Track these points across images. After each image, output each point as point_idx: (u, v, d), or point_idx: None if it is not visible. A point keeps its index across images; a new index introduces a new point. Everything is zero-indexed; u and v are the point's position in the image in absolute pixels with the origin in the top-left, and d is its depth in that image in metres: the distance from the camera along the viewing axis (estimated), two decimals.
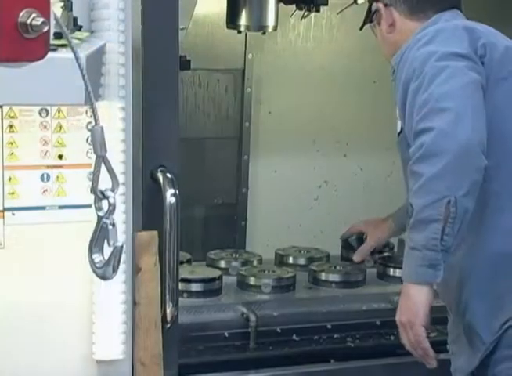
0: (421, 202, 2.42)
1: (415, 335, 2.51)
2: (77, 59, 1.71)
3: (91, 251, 1.81)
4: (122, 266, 2.47)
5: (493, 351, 2.58)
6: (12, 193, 2.46)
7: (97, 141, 1.72)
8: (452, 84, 2.47)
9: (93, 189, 1.76)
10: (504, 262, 2.59)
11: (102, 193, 1.75)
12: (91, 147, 2.47)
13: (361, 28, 3.00)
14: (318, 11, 3.39)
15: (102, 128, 1.72)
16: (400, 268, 3.31)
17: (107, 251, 1.82)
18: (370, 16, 2.89)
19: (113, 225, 1.77)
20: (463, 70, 2.51)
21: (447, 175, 2.40)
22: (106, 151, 1.72)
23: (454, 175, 2.40)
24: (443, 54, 2.54)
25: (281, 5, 3.37)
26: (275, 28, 3.40)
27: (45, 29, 1.55)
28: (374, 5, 2.88)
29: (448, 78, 2.48)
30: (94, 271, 1.83)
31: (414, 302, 2.49)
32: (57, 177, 2.50)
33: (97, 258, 1.81)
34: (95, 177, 1.75)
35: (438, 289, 2.63)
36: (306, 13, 3.46)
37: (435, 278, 2.47)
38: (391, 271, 3.40)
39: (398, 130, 2.69)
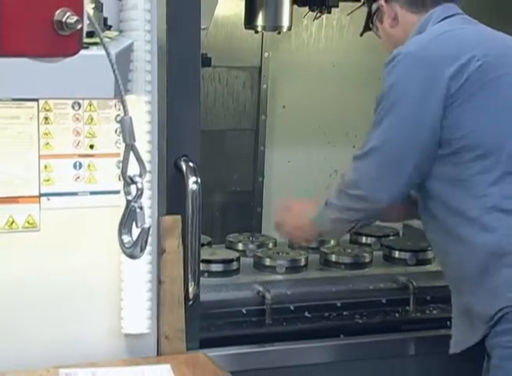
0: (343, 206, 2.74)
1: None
2: (108, 55, 1.71)
3: (120, 233, 1.81)
4: (148, 248, 2.48)
5: (492, 327, 2.57)
6: (48, 180, 2.47)
7: (126, 130, 1.72)
8: (389, 136, 2.61)
9: (122, 175, 1.76)
10: (497, 257, 2.57)
11: (130, 178, 1.76)
12: (120, 138, 2.51)
13: (362, 33, 2.96)
14: (329, 12, 3.39)
15: (130, 118, 1.72)
16: (404, 250, 3.37)
17: (135, 232, 1.82)
18: (372, 16, 2.85)
19: (141, 208, 1.77)
20: (407, 120, 2.58)
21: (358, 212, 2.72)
22: (134, 140, 1.72)
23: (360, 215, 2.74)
24: (400, 90, 2.59)
25: (295, 6, 3.37)
26: (289, 28, 3.39)
27: (79, 27, 1.55)
28: (375, 5, 2.83)
29: (390, 127, 2.60)
30: (123, 251, 1.84)
31: (304, 231, 2.94)
32: (88, 165, 2.51)
33: (126, 238, 1.81)
34: (124, 164, 1.75)
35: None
36: (318, 15, 3.45)
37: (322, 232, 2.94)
38: (397, 253, 3.39)
39: None
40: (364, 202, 2.66)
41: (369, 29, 2.92)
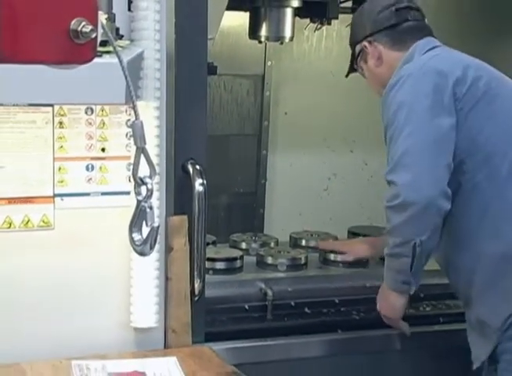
0: (394, 241, 2.58)
1: (393, 324, 2.83)
2: (120, 63, 1.71)
3: (131, 231, 1.82)
4: (156, 246, 2.49)
5: (504, 332, 2.57)
6: (61, 181, 2.48)
7: (137, 134, 1.72)
8: (415, 138, 2.51)
9: (133, 177, 1.76)
10: (506, 263, 2.57)
11: (141, 179, 1.76)
12: (130, 141, 2.52)
13: (347, 75, 2.93)
14: (329, 24, 3.39)
15: (141, 122, 1.72)
16: None
17: (145, 231, 1.82)
18: (356, 58, 2.82)
19: (151, 208, 1.77)
20: (425, 121, 2.52)
21: (413, 223, 2.50)
22: (145, 143, 1.72)
23: (418, 223, 2.51)
24: (409, 103, 2.55)
25: (297, 18, 3.37)
26: (291, 39, 3.39)
27: (93, 35, 1.56)
28: (358, 47, 2.82)
29: (410, 133, 2.52)
30: (134, 248, 1.84)
31: (392, 306, 2.74)
32: (100, 167, 2.52)
33: (136, 236, 1.81)
34: (135, 166, 1.75)
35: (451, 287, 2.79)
36: (319, 26, 3.45)
37: (409, 291, 2.67)
38: None
39: None
40: (411, 206, 2.50)
41: (354, 70, 2.91)
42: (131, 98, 1.80)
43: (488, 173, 2.57)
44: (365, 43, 2.78)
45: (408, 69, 2.64)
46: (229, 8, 3.10)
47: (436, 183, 2.48)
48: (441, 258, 2.77)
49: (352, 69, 2.90)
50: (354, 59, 2.85)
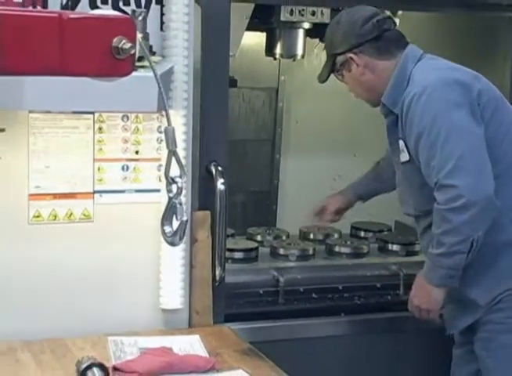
0: (453, 240, 2.46)
1: (432, 317, 2.63)
2: (155, 76, 1.72)
3: (162, 224, 1.82)
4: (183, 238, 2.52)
5: (488, 311, 2.57)
6: (100, 180, 2.49)
7: (169, 138, 1.73)
8: (467, 143, 2.44)
9: (165, 176, 1.77)
10: (504, 247, 2.55)
11: (172, 179, 1.77)
12: (161, 145, 2.52)
13: (324, 81, 2.78)
14: None
15: (173, 128, 1.73)
16: (396, 243, 3.36)
17: (175, 224, 1.83)
18: (338, 68, 2.69)
19: (181, 204, 1.78)
20: (469, 128, 2.46)
21: (474, 221, 2.43)
22: (176, 147, 1.73)
23: (479, 221, 2.44)
24: (447, 113, 2.46)
25: (307, 38, 3.36)
26: (302, 56, 3.39)
27: (132, 52, 1.57)
28: (342, 57, 2.66)
29: (460, 138, 2.44)
30: (165, 239, 1.85)
31: (435, 299, 2.58)
32: (134, 168, 2.52)
33: (167, 229, 1.82)
34: (167, 167, 1.76)
35: None
36: None
37: (454, 284, 2.54)
38: (389, 246, 3.38)
39: (405, 159, 2.61)
40: (474, 206, 2.41)
41: (327, 78, 2.77)
42: (164, 107, 1.81)
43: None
44: (350, 55, 2.64)
45: (427, 78, 2.54)
46: (248, 29, 3.11)
47: (491, 183, 2.43)
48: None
49: (327, 76, 2.75)
50: (333, 67, 2.70)
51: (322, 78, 2.76)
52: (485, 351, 2.60)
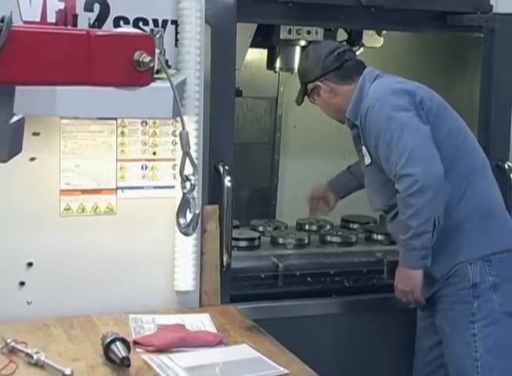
0: (418, 222, 2.49)
1: (416, 298, 2.62)
2: (172, 86, 1.71)
3: (177, 217, 1.81)
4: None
5: (443, 284, 2.62)
6: (122, 177, 2.49)
7: (184, 141, 1.72)
8: (416, 137, 2.50)
9: (180, 174, 1.76)
10: (453, 228, 2.57)
11: (186, 177, 1.76)
12: (175, 147, 2.52)
13: (300, 103, 2.84)
14: None
15: (187, 132, 1.72)
16: (380, 234, 3.33)
17: (188, 217, 1.82)
18: (309, 93, 2.77)
19: (194, 199, 1.78)
20: (416, 125, 2.52)
21: (432, 201, 2.47)
22: (189, 148, 1.72)
23: (436, 201, 2.48)
24: (397, 115, 2.52)
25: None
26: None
27: (151, 65, 1.57)
28: (311, 85, 2.74)
29: (410, 134, 2.50)
30: (179, 230, 1.84)
31: (415, 280, 2.59)
32: (152, 167, 2.52)
33: (182, 221, 1.81)
34: (181, 166, 1.75)
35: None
36: None
37: (428, 264, 2.55)
38: (374, 236, 3.37)
39: (368, 162, 2.67)
40: (429, 188, 2.45)
41: (302, 101, 2.83)
42: (178, 113, 1.80)
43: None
44: (317, 83, 2.72)
45: (379, 92, 2.62)
46: (252, 46, 3.10)
47: (440, 167, 2.47)
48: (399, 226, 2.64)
49: (302, 99, 2.84)
50: (305, 93, 2.79)
51: (298, 102, 2.84)
52: (444, 321, 2.63)
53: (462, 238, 2.59)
